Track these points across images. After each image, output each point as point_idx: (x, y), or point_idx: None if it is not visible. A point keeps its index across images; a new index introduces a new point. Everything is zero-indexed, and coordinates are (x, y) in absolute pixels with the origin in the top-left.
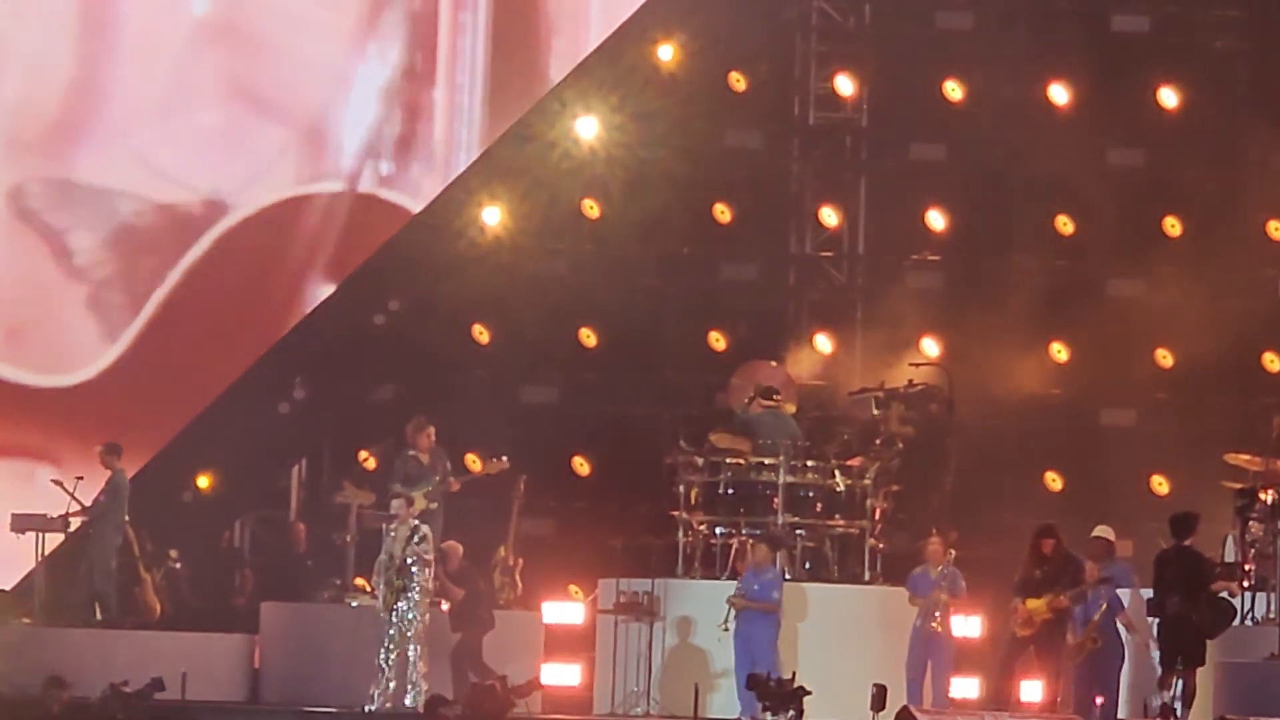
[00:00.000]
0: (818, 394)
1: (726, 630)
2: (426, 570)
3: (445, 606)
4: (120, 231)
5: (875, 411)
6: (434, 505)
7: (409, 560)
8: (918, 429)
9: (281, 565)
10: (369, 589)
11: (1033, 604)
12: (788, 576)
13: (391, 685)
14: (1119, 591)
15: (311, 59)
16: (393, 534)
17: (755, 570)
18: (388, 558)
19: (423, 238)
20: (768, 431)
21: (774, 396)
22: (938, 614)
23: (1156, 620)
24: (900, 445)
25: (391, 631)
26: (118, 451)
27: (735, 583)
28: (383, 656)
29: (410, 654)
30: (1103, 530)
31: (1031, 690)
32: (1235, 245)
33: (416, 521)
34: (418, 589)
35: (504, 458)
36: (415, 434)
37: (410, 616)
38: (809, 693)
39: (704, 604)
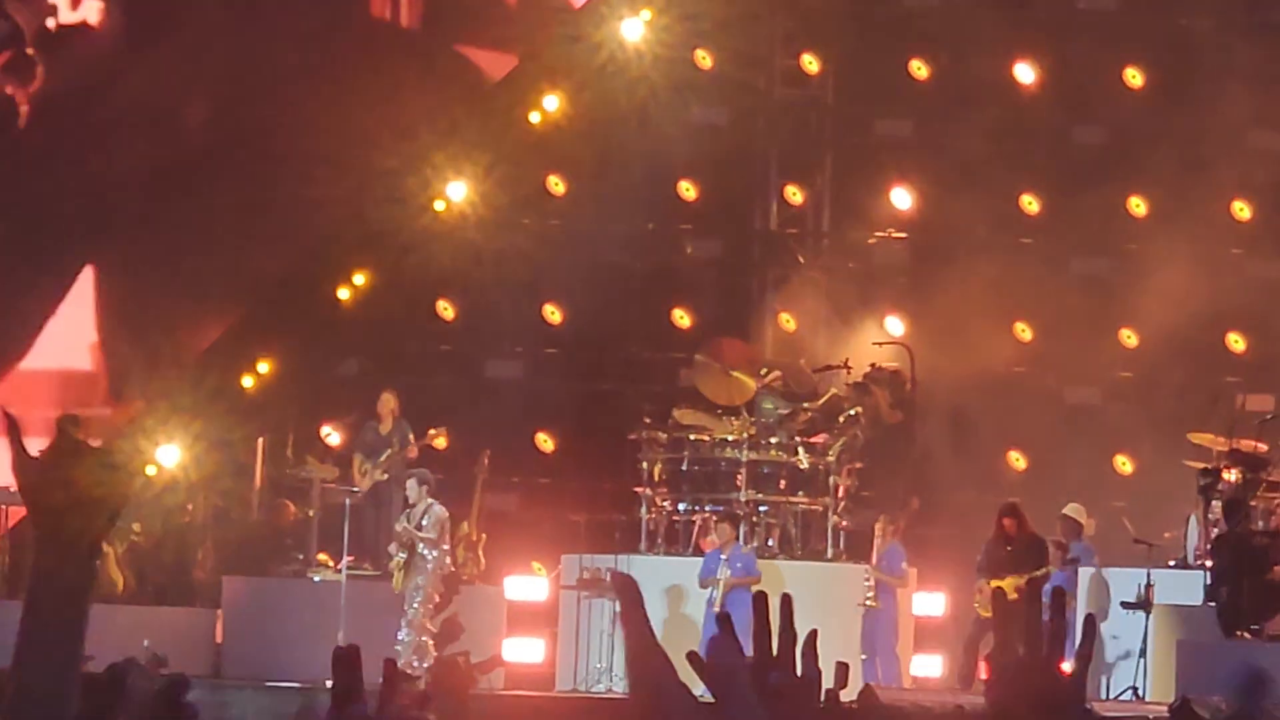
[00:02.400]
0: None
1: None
2: (434, 550)
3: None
4: None
5: (835, 390)
6: (385, 476)
7: (418, 542)
8: (903, 410)
9: (244, 539)
10: (331, 563)
11: (998, 584)
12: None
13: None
14: (1080, 570)
15: None
16: (408, 514)
17: (723, 548)
18: (402, 536)
19: (388, 212)
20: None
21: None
22: (870, 594)
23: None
24: (861, 425)
25: (409, 610)
26: (77, 424)
27: (700, 559)
28: (401, 634)
29: (422, 633)
30: (1073, 509)
31: None
32: (1200, 225)
33: (431, 501)
34: (428, 568)
35: (442, 431)
36: (379, 404)
37: (418, 597)
38: None
39: (667, 580)
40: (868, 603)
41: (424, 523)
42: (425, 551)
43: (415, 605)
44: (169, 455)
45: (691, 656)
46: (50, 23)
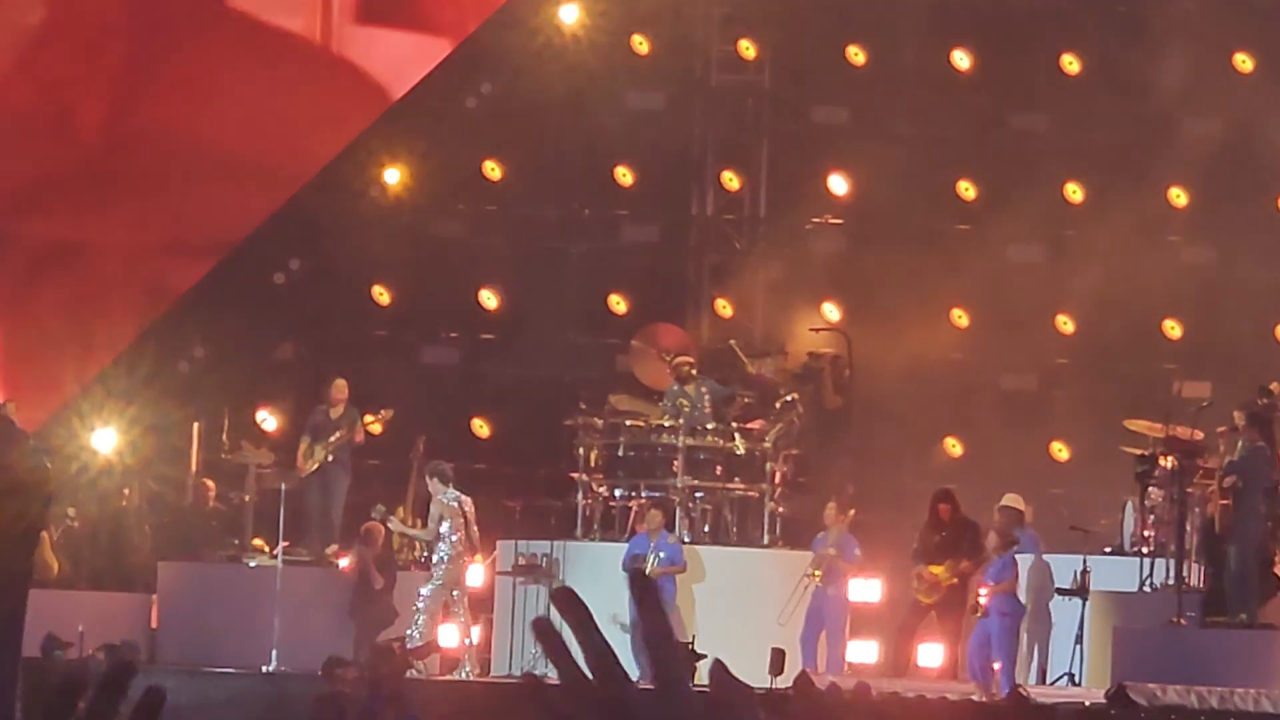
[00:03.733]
0: (717, 357)
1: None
2: (442, 542)
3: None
4: None
5: (769, 374)
6: (331, 459)
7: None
8: (842, 396)
9: (179, 524)
10: (267, 549)
11: (935, 570)
12: (687, 539)
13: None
14: (1021, 557)
15: None
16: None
17: (651, 534)
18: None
19: (324, 198)
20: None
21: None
22: (819, 570)
23: None
24: (799, 412)
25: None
26: (14, 409)
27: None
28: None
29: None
30: (1012, 499)
31: (929, 654)
32: (1137, 212)
33: (444, 495)
34: (444, 559)
35: (388, 410)
36: (331, 387)
37: (434, 585)
38: (702, 657)
39: (603, 566)
40: (815, 575)
41: (431, 511)
42: (438, 547)
43: (420, 603)
44: (105, 440)
45: None
46: None
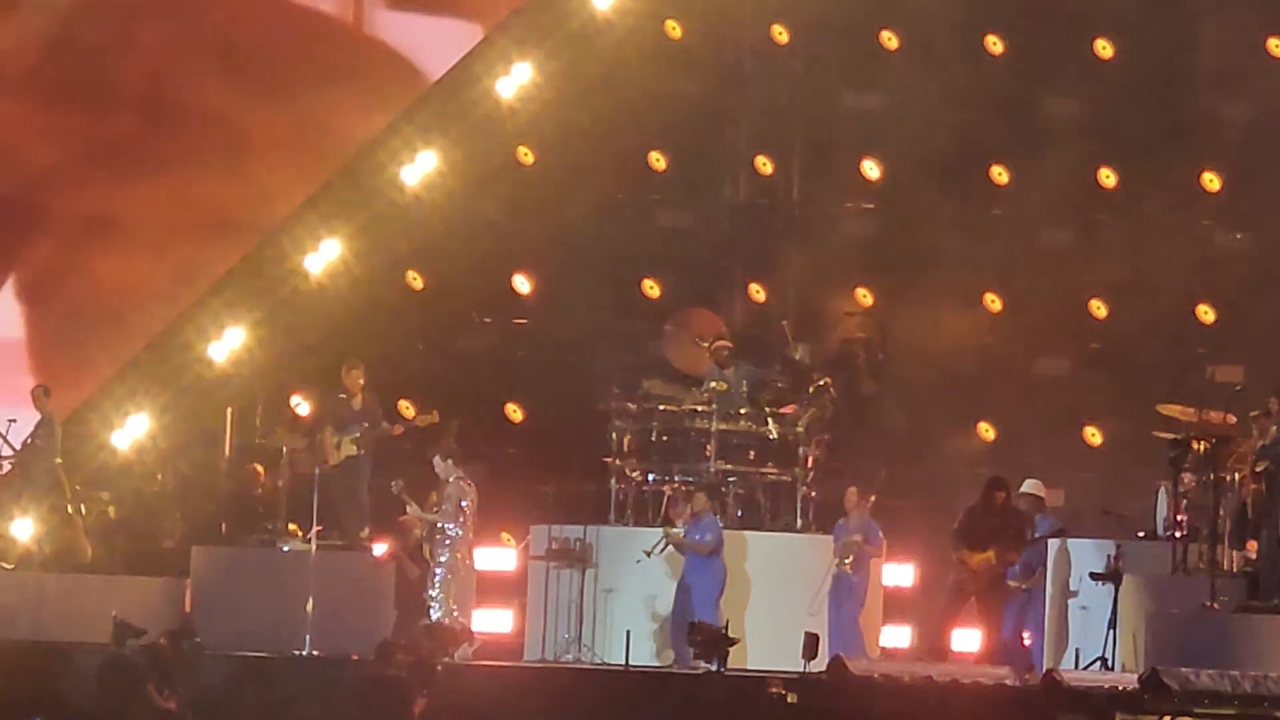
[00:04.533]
0: (750, 341)
1: (649, 555)
2: (454, 525)
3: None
4: None
5: (797, 356)
6: (361, 452)
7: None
8: (875, 381)
9: (218, 509)
10: (300, 534)
11: (980, 557)
12: (720, 524)
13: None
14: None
15: None
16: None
17: (696, 515)
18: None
19: (357, 182)
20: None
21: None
22: (849, 558)
23: None
24: (831, 396)
25: (432, 589)
26: (49, 393)
27: (670, 530)
28: (432, 612)
29: (438, 605)
30: (1032, 485)
31: (965, 639)
32: (1170, 196)
33: (454, 476)
34: (448, 544)
35: (434, 411)
36: (345, 376)
37: (442, 574)
38: (735, 642)
39: (636, 551)
40: (847, 565)
41: (445, 494)
42: (447, 528)
43: (437, 583)
44: (138, 425)
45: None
46: None
